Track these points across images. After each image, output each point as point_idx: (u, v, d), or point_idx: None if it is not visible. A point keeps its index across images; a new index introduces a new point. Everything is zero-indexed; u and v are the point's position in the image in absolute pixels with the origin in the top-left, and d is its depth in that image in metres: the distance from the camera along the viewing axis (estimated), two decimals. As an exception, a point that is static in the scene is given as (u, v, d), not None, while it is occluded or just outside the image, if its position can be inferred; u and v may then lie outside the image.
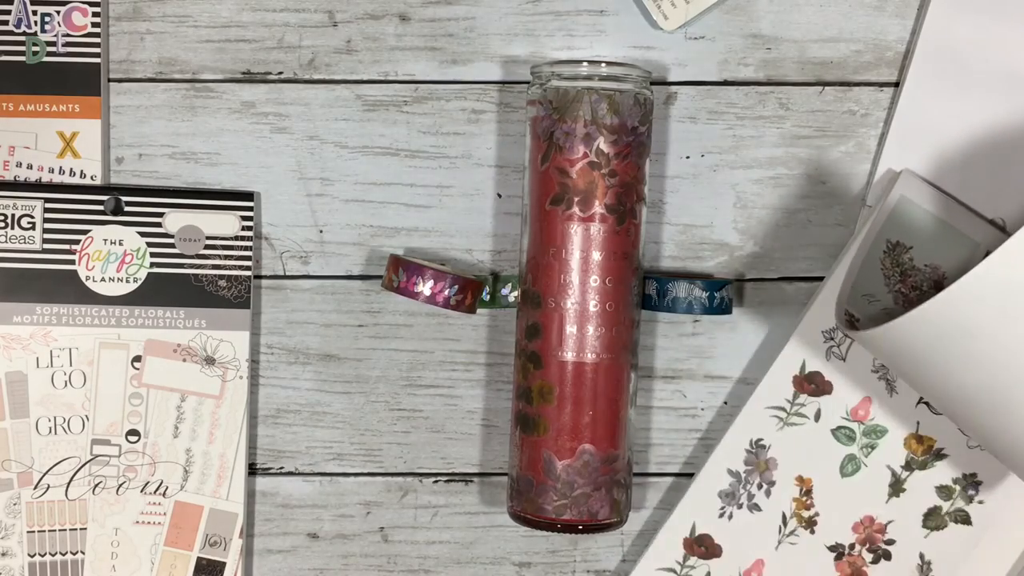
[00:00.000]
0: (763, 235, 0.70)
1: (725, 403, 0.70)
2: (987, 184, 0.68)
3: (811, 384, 0.67)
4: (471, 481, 0.71)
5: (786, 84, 0.70)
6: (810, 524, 0.67)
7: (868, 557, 0.67)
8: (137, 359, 0.68)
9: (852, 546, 0.67)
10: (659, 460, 0.71)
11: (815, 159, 0.70)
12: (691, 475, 0.70)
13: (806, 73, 0.70)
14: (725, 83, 0.70)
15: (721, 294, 0.67)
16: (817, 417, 0.67)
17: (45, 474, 0.68)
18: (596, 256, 0.64)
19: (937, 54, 0.68)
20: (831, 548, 0.67)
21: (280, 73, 0.70)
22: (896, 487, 0.67)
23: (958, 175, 0.68)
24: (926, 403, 0.66)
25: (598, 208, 0.64)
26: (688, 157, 0.70)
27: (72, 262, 0.68)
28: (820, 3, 0.69)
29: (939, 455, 0.66)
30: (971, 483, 0.66)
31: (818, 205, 0.70)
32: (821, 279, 0.69)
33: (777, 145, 0.70)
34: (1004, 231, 0.67)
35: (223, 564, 0.69)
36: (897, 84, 0.69)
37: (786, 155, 0.70)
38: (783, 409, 0.67)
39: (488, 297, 0.68)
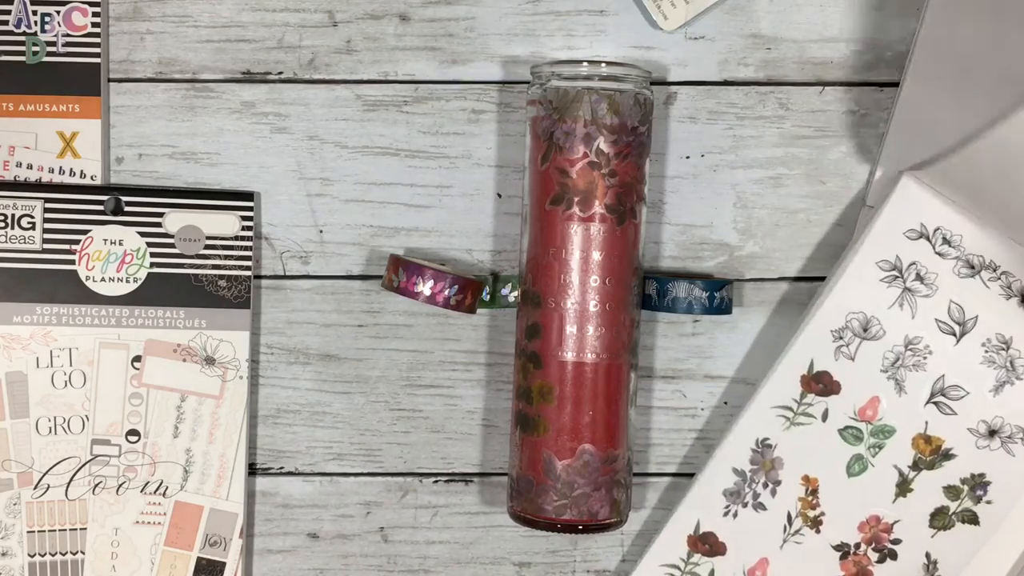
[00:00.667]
0: (763, 235, 0.70)
1: (725, 403, 0.70)
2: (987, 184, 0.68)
3: (819, 384, 0.67)
4: (471, 481, 0.71)
5: (786, 84, 0.70)
6: (815, 523, 0.67)
7: (874, 556, 0.67)
8: (137, 359, 0.68)
9: (858, 545, 0.67)
10: (659, 460, 0.71)
11: (815, 159, 0.70)
12: (691, 475, 0.70)
13: (806, 73, 0.70)
14: (725, 83, 0.70)
15: (721, 294, 0.67)
16: (824, 417, 0.67)
17: (45, 474, 0.68)
18: (596, 256, 0.64)
19: (937, 54, 0.68)
20: (836, 547, 0.67)
21: (280, 73, 0.70)
22: (903, 487, 0.67)
23: (958, 175, 0.68)
24: (935, 403, 0.66)
25: (598, 208, 0.64)
26: (688, 157, 0.70)
27: (72, 262, 0.68)
28: (820, 3, 0.69)
29: (947, 455, 0.66)
30: (979, 483, 0.66)
31: (818, 205, 0.70)
32: (821, 279, 0.69)
33: (777, 145, 0.70)
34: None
35: (223, 564, 0.69)
36: (897, 84, 0.69)
37: (786, 155, 0.70)
38: (790, 409, 0.67)
39: (488, 297, 0.68)
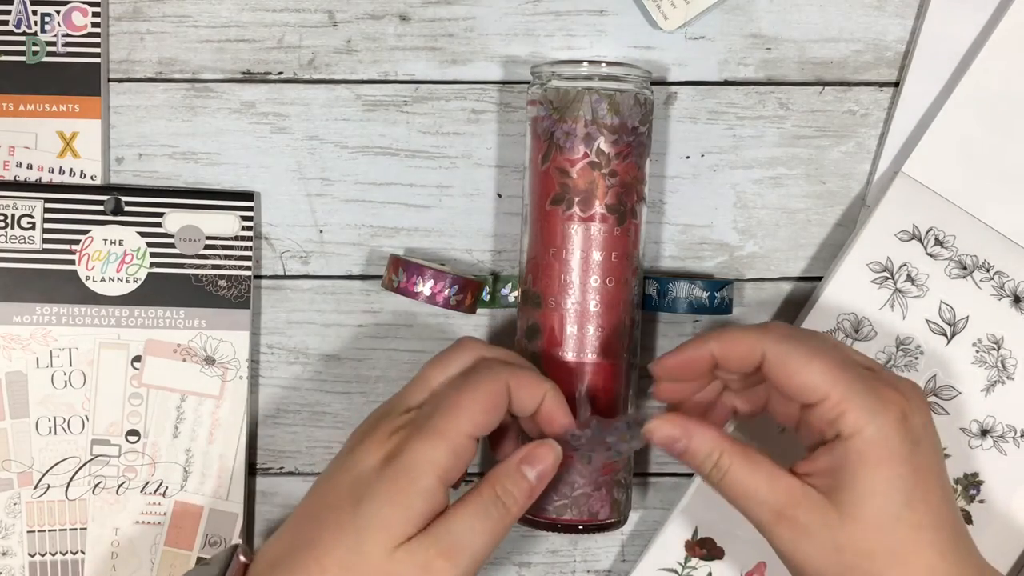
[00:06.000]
0: (763, 235, 0.70)
1: (725, 403, 0.70)
2: (986, 185, 0.68)
3: None
4: (471, 481, 0.71)
5: (786, 84, 0.70)
6: None
7: None
8: (137, 359, 0.68)
9: None
10: (659, 460, 0.71)
11: (815, 159, 0.70)
12: (690, 475, 0.70)
13: (806, 73, 0.70)
14: (725, 83, 0.70)
15: (721, 294, 0.67)
16: None
17: (45, 474, 0.68)
18: (596, 256, 0.64)
19: (937, 54, 0.68)
20: None
21: (280, 73, 0.70)
22: None
23: (956, 176, 0.68)
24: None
25: (598, 208, 0.64)
26: (688, 157, 0.70)
27: (72, 262, 0.68)
28: (820, 3, 0.69)
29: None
30: (973, 483, 0.66)
31: (818, 205, 0.70)
32: (821, 279, 0.69)
33: (777, 145, 0.70)
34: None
35: (223, 564, 0.69)
36: (897, 84, 0.70)
37: (786, 155, 0.70)
38: None
39: (488, 297, 0.68)
